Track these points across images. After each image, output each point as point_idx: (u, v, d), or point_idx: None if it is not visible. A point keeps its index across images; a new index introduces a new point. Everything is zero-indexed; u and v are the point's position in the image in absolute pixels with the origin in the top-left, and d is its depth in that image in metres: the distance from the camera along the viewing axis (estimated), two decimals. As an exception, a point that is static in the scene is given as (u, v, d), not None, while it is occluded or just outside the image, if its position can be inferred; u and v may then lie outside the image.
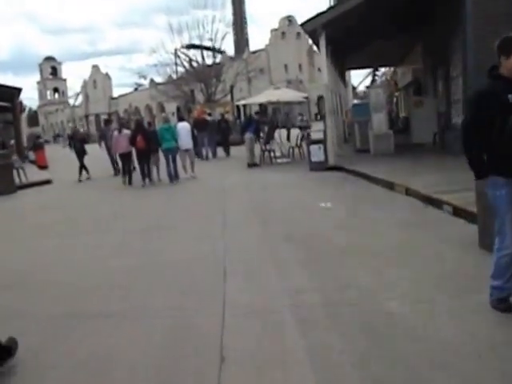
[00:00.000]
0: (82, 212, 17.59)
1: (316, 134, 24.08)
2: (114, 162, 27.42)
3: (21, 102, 50.66)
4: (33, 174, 28.12)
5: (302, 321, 6.70)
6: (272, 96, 31.66)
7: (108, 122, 35.64)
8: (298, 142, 29.35)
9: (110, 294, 8.44)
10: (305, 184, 19.99)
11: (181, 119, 27.62)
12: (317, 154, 23.27)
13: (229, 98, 57.87)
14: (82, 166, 26.68)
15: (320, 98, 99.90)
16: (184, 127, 24.61)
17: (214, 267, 9.44)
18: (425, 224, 11.62)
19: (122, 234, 13.23)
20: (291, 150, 29.01)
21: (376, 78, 51.72)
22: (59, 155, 48.53)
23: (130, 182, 23.63)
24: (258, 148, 28.74)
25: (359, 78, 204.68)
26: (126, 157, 24.09)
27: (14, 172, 25.69)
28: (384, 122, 25.93)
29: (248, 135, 27.06)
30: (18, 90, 46.21)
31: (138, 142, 22.65)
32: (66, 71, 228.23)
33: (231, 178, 23.85)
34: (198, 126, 32.68)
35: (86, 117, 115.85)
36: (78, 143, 27.98)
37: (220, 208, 15.87)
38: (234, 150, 36.94)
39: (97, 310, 7.72)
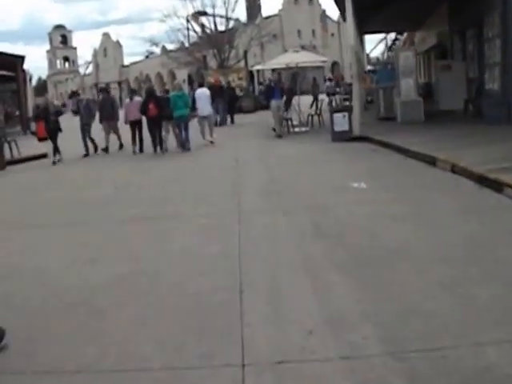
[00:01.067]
0: (71, 192, 15.29)
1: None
2: (86, 140, 23.69)
3: (24, 71, 48.45)
4: (30, 147, 25.59)
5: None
6: (290, 59, 29.16)
7: (74, 93, 33.48)
8: (319, 108, 26.99)
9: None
10: (329, 157, 17.73)
11: (200, 85, 27.69)
12: (340, 122, 21.07)
13: (242, 64, 55.44)
14: (56, 147, 22.48)
15: (334, 64, 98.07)
16: (203, 93, 24.53)
17: (225, 281, 7.18)
18: (487, 212, 9.44)
19: (110, 228, 11.07)
20: (310, 119, 26.64)
21: (396, 42, 48.84)
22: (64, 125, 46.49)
23: (141, 150, 23.26)
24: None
25: (370, 44, 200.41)
26: (137, 125, 23.34)
27: (6, 146, 23.53)
28: (413, 87, 23.61)
29: (274, 102, 24.50)
30: (22, 58, 44.41)
31: (150, 109, 21.97)
32: (77, 41, 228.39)
33: (246, 149, 21.84)
34: (214, 92, 30.38)
35: (96, 85, 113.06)
36: (51, 118, 23.16)
37: (233, 188, 13.74)
38: (246, 117, 34.93)
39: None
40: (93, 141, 23.87)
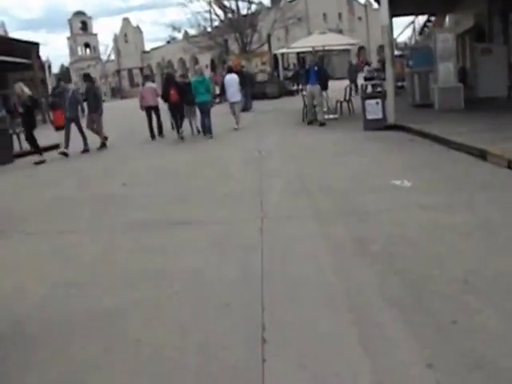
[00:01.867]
0: (70, 190, 13.69)
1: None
2: (68, 137, 20.66)
3: (40, 58, 47.18)
4: (44, 137, 23.82)
5: None
6: (316, 42, 27.25)
7: (59, 81, 31.36)
8: (349, 94, 25.11)
9: None
10: (363, 148, 15.84)
11: (230, 71, 26.95)
12: (373, 110, 19.24)
13: (265, 48, 53.61)
14: (31, 142, 19.86)
15: (361, 49, 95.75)
16: (232, 79, 24.17)
17: (242, 324, 5.43)
18: None
19: (105, 239, 9.43)
20: (339, 105, 24.74)
21: (428, 25, 46.64)
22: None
23: (160, 134, 23.59)
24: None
25: (397, 29, 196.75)
26: (152, 110, 23.34)
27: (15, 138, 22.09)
28: (452, 72, 21.64)
29: (310, 87, 22.59)
30: (37, 45, 43.31)
31: (172, 95, 21.84)
32: (99, 27, 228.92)
33: (271, 138, 20.10)
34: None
35: (118, 72, 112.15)
36: (24, 109, 19.75)
37: (256, 184, 12.07)
38: (271, 103, 33.29)
39: None
40: (84, 138, 21.15)
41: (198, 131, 23.05)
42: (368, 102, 19.36)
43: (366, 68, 39.51)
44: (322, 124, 21.86)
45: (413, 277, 6.14)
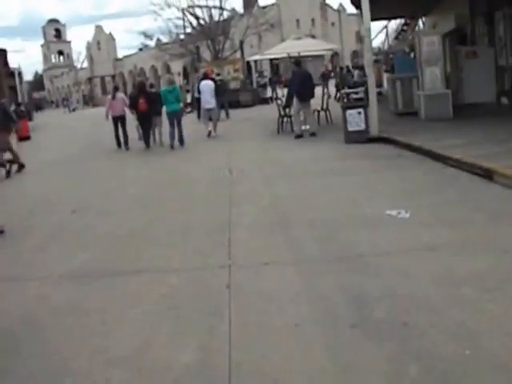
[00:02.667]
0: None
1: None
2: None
3: (8, 65, 45.54)
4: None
5: None
6: (292, 48, 25.44)
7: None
8: (325, 103, 23.32)
9: None
10: (346, 167, 14.03)
11: (205, 77, 26.53)
12: (355, 120, 17.52)
13: (238, 55, 51.82)
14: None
15: (334, 55, 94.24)
16: (207, 85, 24.02)
17: None
18: None
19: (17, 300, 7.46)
20: (316, 115, 22.92)
21: (405, 28, 45.10)
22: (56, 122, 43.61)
23: (126, 145, 22.61)
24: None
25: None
26: (119, 120, 22.62)
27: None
28: (439, 78, 19.93)
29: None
30: (3, 52, 41.74)
31: (140, 104, 21.46)
32: (73, 35, 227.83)
33: (243, 152, 18.51)
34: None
35: (90, 79, 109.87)
36: None
37: (224, 214, 10.26)
38: (244, 112, 33.00)
39: None
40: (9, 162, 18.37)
41: (161, 143, 22.48)
42: (349, 112, 17.64)
43: (356, 73, 37.72)
44: (299, 136, 20.03)
45: (437, 363, 4.36)
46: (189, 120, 26.03)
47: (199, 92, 25.27)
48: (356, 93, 18.74)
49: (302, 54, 25.92)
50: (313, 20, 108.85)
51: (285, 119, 22.22)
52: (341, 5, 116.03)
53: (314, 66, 64.86)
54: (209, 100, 23.56)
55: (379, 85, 30.10)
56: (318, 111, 22.66)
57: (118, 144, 22.66)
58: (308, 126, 20.53)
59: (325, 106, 23.08)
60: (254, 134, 22.89)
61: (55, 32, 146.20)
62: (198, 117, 29.91)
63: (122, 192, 13.66)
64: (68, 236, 9.89)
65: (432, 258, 6.93)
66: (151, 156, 20.04)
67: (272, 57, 33.53)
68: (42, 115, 73.88)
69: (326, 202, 10.45)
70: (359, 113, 17.50)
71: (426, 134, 16.46)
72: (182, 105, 22.71)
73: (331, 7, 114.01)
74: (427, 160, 13.69)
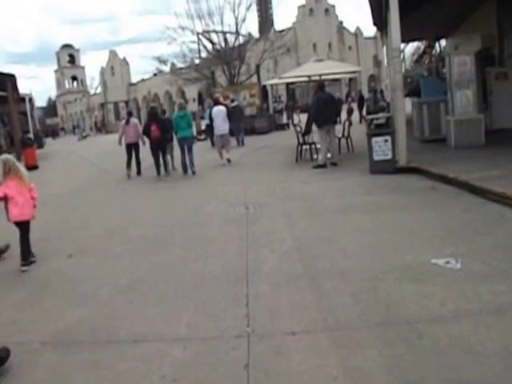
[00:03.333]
0: None
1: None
2: None
3: (18, 91, 44.51)
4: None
5: None
6: (314, 70, 24.04)
7: None
8: (347, 130, 21.97)
9: None
10: (376, 202, 12.57)
11: (216, 103, 25.74)
12: (381, 149, 16.22)
13: (254, 79, 50.60)
14: None
15: (351, 79, 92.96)
16: (220, 111, 23.50)
17: None
18: None
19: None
20: (336, 142, 21.53)
21: (426, 52, 44.00)
22: (67, 149, 42.28)
23: (138, 173, 22.29)
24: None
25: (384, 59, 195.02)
26: (133, 147, 22.23)
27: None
28: (472, 101, 18.57)
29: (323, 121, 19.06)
30: (13, 77, 40.67)
31: (153, 131, 20.96)
32: (88, 61, 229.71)
33: (260, 185, 16.94)
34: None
35: (102, 105, 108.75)
36: None
37: (239, 261, 8.96)
38: (260, 139, 31.96)
39: None
40: None
41: (173, 168, 22.52)
42: (375, 139, 16.31)
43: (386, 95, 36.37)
44: (321, 166, 18.69)
45: None
46: (203, 147, 24.81)
47: (211, 119, 24.68)
48: (377, 118, 17.47)
49: (323, 77, 24.51)
50: (330, 44, 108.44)
51: (304, 147, 20.93)
52: (358, 28, 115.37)
53: (331, 90, 63.50)
54: (222, 126, 23.15)
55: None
56: (339, 138, 21.31)
57: (129, 167, 22.06)
58: (330, 155, 19.19)
59: (346, 133, 21.74)
60: (272, 163, 21.56)
61: (69, 57, 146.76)
62: (212, 144, 29.68)
63: (126, 231, 12.24)
64: (60, 288, 8.57)
65: (501, 326, 5.59)
66: (162, 187, 18.83)
67: (291, 80, 32.01)
68: (54, 142, 72.77)
69: (357, 247, 9.08)
70: (386, 140, 16.20)
71: (459, 164, 15.17)
72: (194, 131, 22.24)
73: (348, 30, 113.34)
74: (465, 194, 12.37)
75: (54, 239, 12.04)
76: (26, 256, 9.93)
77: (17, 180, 9.88)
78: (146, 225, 12.76)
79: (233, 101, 35.24)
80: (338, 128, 20.62)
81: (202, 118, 41.17)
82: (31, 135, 38.74)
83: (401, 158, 16.28)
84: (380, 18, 23.41)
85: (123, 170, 22.01)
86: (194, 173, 20.74)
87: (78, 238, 11.99)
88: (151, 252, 10.19)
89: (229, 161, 22.57)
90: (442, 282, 7.02)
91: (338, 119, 20.91)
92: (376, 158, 16.30)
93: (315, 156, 20.35)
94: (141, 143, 22.10)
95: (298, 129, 21.19)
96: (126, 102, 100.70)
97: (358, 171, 16.87)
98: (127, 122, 22.54)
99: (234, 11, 56.43)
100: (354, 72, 32.00)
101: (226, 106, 26.68)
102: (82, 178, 22.59)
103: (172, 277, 8.50)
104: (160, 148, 21.39)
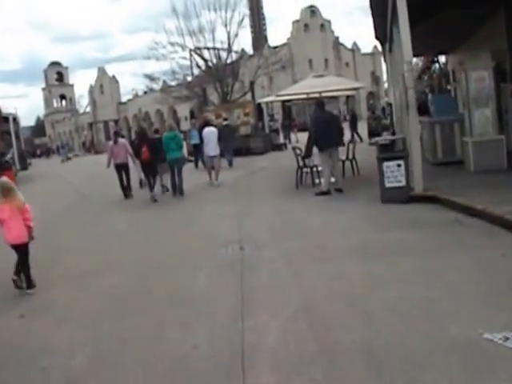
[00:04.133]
0: None
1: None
2: None
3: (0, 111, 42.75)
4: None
5: None
6: (313, 87, 22.02)
7: None
8: (352, 152, 20.02)
9: None
10: (394, 241, 10.51)
11: (207, 124, 25.26)
12: (394, 175, 14.26)
13: (248, 97, 48.68)
14: None
15: (349, 97, 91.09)
16: (211, 132, 23.16)
17: None
18: None
19: None
20: (340, 165, 19.45)
21: (437, 64, 42.32)
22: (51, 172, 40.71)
23: (126, 195, 21.60)
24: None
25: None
26: (123, 168, 21.65)
27: None
28: (491, 121, 16.63)
29: (326, 144, 17.08)
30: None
31: (143, 152, 20.24)
32: (78, 79, 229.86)
33: (257, 216, 14.91)
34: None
35: (91, 124, 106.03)
36: None
37: (232, 332, 6.92)
38: (255, 160, 30.94)
39: None
40: None
41: (167, 189, 21.72)
42: (387, 164, 14.36)
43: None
44: (324, 193, 16.71)
45: None
46: (187, 169, 23.15)
47: (201, 139, 24.51)
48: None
49: (323, 94, 22.51)
50: (326, 60, 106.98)
51: (304, 170, 18.95)
52: (355, 44, 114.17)
53: (328, 108, 61.56)
54: (213, 148, 22.80)
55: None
56: (343, 161, 19.28)
57: (125, 195, 21.52)
58: (333, 179, 17.21)
59: (351, 155, 19.77)
60: (269, 189, 19.58)
61: (57, 75, 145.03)
62: (196, 165, 30.01)
63: (97, 279, 10.15)
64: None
65: None
66: (147, 218, 17.03)
67: (289, 98, 29.86)
68: (43, 163, 70.65)
69: (383, 309, 7.08)
70: (399, 165, 14.25)
71: (484, 192, 13.23)
72: (185, 152, 21.97)
73: (345, 46, 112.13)
74: (497, 230, 10.44)
75: (7, 291, 9.93)
76: (29, 279, 9.78)
77: (11, 203, 9.83)
78: (121, 270, 10.70)
79: (225, 119, 33.81)
80: (341, 149, 18.61)
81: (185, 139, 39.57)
82: (10, 156, 36.89)
83: (416, 185, 14.34)
84: (383, 31, 21.76)
85: (105, 197, 21.41)
86: (182, 194, 20.40)
87: (36, 288, 9.88)
88: (122, 313, 8.13)
89: (217, 182, 22.32)
90: (505, 371, 5.06)
91: (343, 140, 18.86)
92: (388, 184, 14.35)
93: (317, 181, 18.39)
94: (131, 163, 21.56)
95: (298, 151, 19.18)
96: (116, 121, 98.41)
97: (366, 199, 14.95)
98: (115, 142, 21.95)
99: (225, 26, 55.07)
100: (355, 89, 29.07)
101: (215, 125, 26.06)
102: (59, 205, 21.08)
103: (142, 357, 6.45)
104: (152, 169, 20.43)
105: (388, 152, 14.64)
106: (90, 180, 30.79)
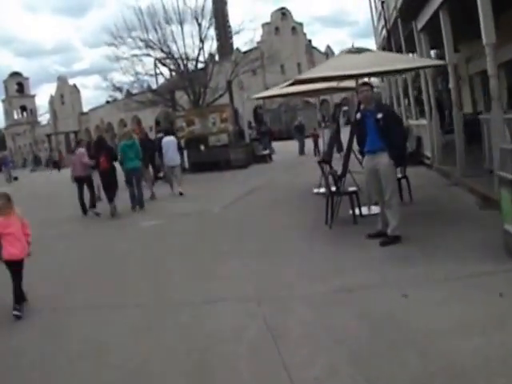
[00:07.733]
0: None
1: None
2: None
3: None
4: None
5: None
6: (354, 68, 13.79)
7: None
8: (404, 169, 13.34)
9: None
10: None
11: (167, 133, 25.80)
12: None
13: (223, 100, 42.64)
14: None
15: (323, 102, 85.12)
16: (170, 141, 23.19)
17: None
18: None
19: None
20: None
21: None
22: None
23: (94, 211, 19.70)
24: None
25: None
26: (84, 182, 19.86)
27: None
28: None
29: (371, 158, 10.43)
30: None
31: (102, 162, 18.73)
32: (42, 93, 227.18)
33: (270, 302, 7.97)
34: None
35: (49, 136, 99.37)
36: None
37: None
38: (237, 175, 27.28)
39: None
40: None
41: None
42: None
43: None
44: (393, 241, 9.85)
45: None
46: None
47: (160, 149, 23.76)
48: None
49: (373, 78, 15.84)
50: (299, 64, 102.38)
51: (336, 199, 12.15)
52: (328, 47, 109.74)
53: (305, 115, 56.90)
54: (173, 157, 22.81)
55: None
56: (399, 179, 12.36)
57: (84, 211, 19.86)
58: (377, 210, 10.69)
59: (402, 172, 13.11)
60: (280, 227, 12.67)
61: (17, 86, 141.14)
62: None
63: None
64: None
65: None
66: (104, 245, 12.73)
67: (277, 93, 23.05)
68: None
69: None
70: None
71: None
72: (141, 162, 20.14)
73: (318, 50, 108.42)
74: None
75: None
76: (19, 299, 8.81)
77: (15, 215, 9.21)
78: None
79: (177, 131, 32.18)
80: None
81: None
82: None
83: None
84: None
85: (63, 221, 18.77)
86: (142, 207, 19.40)
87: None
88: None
89: (181, 194, 21.80)
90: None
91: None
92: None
93: (363, 210, 11.71)
94: (93, 174, 19.80)
95: (327, 168, 12.34)
96: (75, 132, 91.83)
97: (470, 252, 8.29)
98: (73, 152, 21.43)
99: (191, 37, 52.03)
100: (436, 66, 20.29)
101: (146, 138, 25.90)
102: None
103: None
104: (111, 180, 18.80)
105: None
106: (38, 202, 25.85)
